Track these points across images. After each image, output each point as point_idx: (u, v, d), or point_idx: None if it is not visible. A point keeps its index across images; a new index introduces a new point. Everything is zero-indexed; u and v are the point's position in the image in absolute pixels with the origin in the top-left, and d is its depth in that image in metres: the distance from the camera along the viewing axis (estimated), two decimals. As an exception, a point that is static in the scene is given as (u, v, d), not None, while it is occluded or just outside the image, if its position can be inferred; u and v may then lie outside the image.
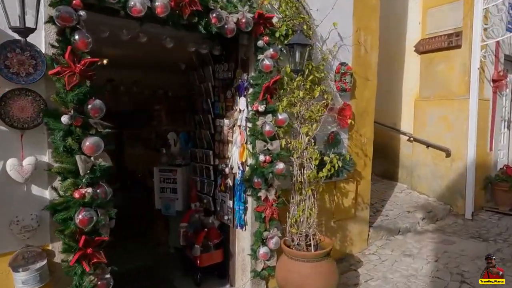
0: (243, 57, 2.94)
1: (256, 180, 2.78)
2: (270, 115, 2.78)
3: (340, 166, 2.98)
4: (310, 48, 3.16)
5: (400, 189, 6.12)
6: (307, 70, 2.96)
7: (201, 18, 2.34)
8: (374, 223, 4.62)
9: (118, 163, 6.27)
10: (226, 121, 3.09)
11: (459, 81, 5.45)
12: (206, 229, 3.16)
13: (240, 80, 2.94)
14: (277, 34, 2.87)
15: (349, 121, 3.55)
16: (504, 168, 5.79)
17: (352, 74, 3.68)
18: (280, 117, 2.80)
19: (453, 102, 5.51)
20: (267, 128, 2.75)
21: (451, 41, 5.44)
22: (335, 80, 3.53)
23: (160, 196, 3.74)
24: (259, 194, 2.82)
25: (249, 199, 2.97)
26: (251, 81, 2.80)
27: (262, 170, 2.79)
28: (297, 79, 2.92)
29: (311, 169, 2.92)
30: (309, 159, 2.91)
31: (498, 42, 5.97)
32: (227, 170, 3.11)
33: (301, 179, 2.93)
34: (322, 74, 3.09)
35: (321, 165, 2.92)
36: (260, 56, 2.75)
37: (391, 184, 6.37)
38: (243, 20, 2.54)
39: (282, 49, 2.95)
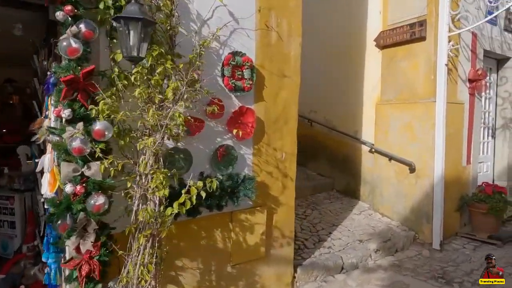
0: (54, 40, 2.02)
1: (60, 222, 1.84)
2: (81, 123, 1.85)
3: (203, 197, 2.03)
4: (170, 28, 2.23)
5: (359, 210, 5.13)
6: (151, 58, 2.03)
7: None
8: (308, 259, 3.63)
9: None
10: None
11: (424, 81, 4.49)
12: (23, 285, 2.22)
13: (49, 73, 2.02)
14: (101, 5, 1.96)
15: (237, 132, 2.58)
16: (483, 186, 4.78)
17: (254, 69, 2.74)
18: (97, 127, 1.86)
19: (417, 106, 4.55)
20: (75, 143, 1.81)
21: (414, 32, 4.49)
22: (225, 76, 2.59)
23: (-3, 232, 2.83)
24: (67, 243, 1.88)
25: (67, 248, 2.02)
26: (56, 74, 1.87)
27: (69, 206, 1.85)
28: (134, 71, 1.99)
29: (155, 203, 1.98)
30: (153, 189, 1.97)
31: (475, 35, 5.02)
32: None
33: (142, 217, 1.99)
34: (181, 65, 2.15)
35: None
36: (63, 36, 1.82)
37: (352, 203, 5.38)
38: (12, -23, 1.63)
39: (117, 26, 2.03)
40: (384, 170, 4.95)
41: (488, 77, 5.70)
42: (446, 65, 4.28)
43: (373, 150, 5.07)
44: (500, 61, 5.95)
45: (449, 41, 4.25)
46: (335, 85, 5.79)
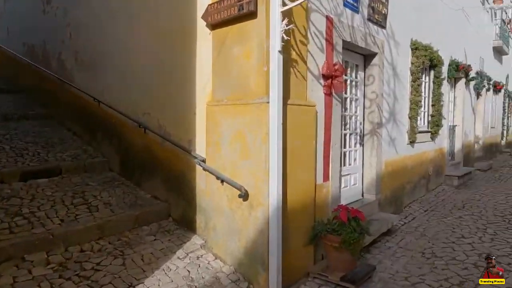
0: None
1: None
2: None
3: None
4: None
5: (187, 250, 3.71)
6: None
7: None
8: None
9: None
10: None
11: (257, 74, 3.26)
12: None
13: None
14: None
15: None
16: (339, 210, 3.76)
17: None
18: None
19: (249, 109, 3.29)
20: None
21: (242, 6, 3.22)
22: None
23: None
24: None
25: None
26: None
27: None
28: None
29: None
30: None
31: (330, 20, 4.00)
32: None
33: None
34: None
35: None
36: None
37: (183, 239, 3.95)
38: None
39: None
40: (216, 195, 3.62)
41: (352, 74, 4.83)
42: (280, 52, 3.08)
43: (204, 168, 3.71)
44: (367, 57, 5.16)
45: (283, 19, 3.05)
46: (168, 79, 4.32)
